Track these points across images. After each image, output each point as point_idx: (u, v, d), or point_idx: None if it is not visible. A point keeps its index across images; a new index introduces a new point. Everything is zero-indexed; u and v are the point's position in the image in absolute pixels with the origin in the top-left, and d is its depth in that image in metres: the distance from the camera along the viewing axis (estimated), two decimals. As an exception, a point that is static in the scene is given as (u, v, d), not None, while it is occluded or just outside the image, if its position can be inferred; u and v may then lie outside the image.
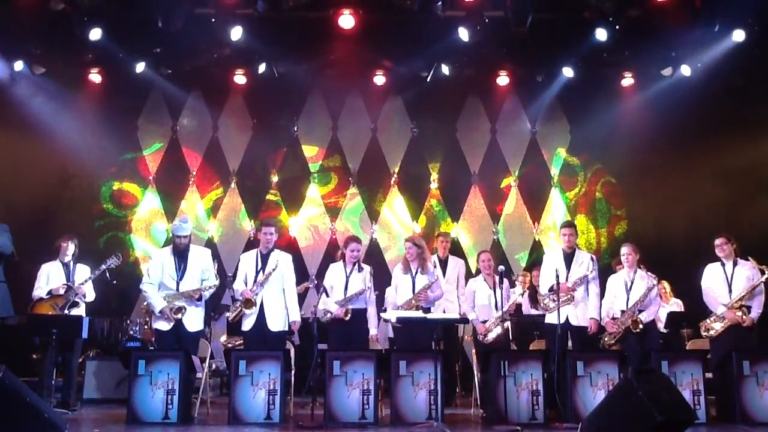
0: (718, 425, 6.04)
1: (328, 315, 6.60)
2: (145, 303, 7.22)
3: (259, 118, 10.54)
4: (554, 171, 10.58)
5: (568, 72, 9.42)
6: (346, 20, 8.42)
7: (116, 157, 10.30)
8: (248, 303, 6.36)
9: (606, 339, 6.65)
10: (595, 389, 5.90)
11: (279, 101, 10.32)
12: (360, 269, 6.75)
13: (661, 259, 8.21)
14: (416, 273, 6.73)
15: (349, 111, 10.59)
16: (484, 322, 6.86)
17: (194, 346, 6.35)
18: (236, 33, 8.48)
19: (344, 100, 10.55)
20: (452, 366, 7.70)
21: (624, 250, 6.81)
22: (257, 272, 6.47)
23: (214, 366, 7.78)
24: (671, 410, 4.46)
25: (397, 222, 10.41)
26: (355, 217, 10.40)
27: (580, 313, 6.55)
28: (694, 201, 9.64)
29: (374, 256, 9.86)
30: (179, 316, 6.17)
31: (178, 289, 6.25)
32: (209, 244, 9.85)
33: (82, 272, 6.98)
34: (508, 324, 6.94)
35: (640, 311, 6.51)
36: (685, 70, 9.22)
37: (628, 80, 9.78)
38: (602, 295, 6.73)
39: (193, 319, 6.29)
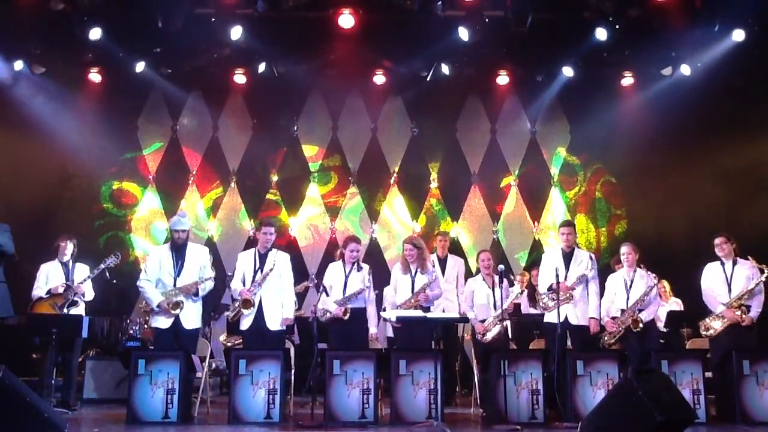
0: (718, 425, 6.04)
1: (328, 315, 6.60)
2: (143, 302, 7.21)
3: (259, 117, 10.54)
4: (554, 170, 10.58)
5: (568, 72, 9.43)
6: (346, 20, 8.42)
7: (116, 156, 10.30)
8: (246, 303, 6.36)
9: (606, 338, 6.65)
10: (595, 389, 5.91)
11: (279, 101, 10.32)
12: (359, 269, 6.74)
13: (661, 258, 8.21)
14: (415, 273, 6.73)
15: (349, 111, 10.59)
16: (483, 321, 6.87)
17: (192, 343, 6.35)
18: (236, 33, 8.49)
19: (344, 99, 10.55)
20: (452, 365, 7.71)
21: (624, 249, 6.81)
22: (255, 272, 6.47)
23: (213, 365, 7.78)
24: (671, 410, 4.47)
25: (396, 221, 10.42)
26: (355, 216, 10.41)
27: (580, 312, 6.55)
28: (694, 201, 9.64)
29: (374, 256, 9.86)
30: (177, 311, 6.18)
31: (175, 286, 6.26)
32: (209, 243, 9.85)
33: (82, 272, 6.98)
34: (507, 323, 6.93)
35: (640, 310, 6.52)
36: (685, 70, 9.22)
37: (628, 80, 9.78)
38: (602, 294, 6.73)
39: (191, 317, 6.30)
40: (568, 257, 6.71)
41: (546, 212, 10.46)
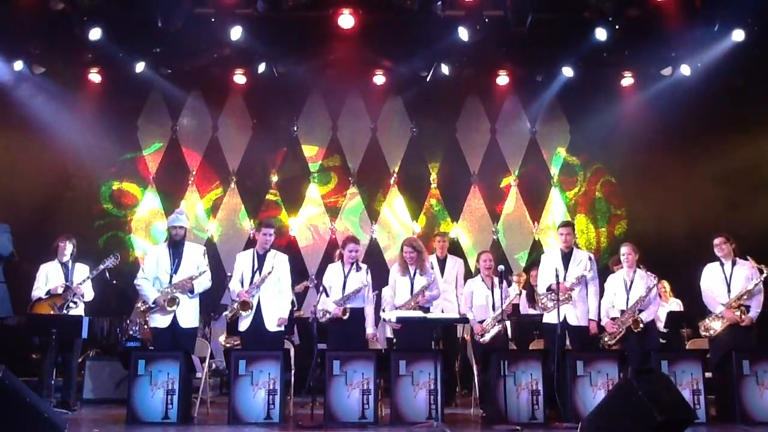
0: (718, 425, 6.04)
1: (327, 315, 6.59)
2: (140, 302, 7.21)
3: (258, 118, 10.55)
4: (554, 171, 10.58)
5: (567, 72, 9.42)
6: (346, 20, 8.42)
7: (116, 157, 10.31)
8: (245, 305, 6.35)
9: (606, 339, 6.65)
10: (594, 389, 5.90)
11: (279, 101, 10.33)
12: (358, 269, 6.75)
13: (661, 258, 8.21)
14: (414, 274, 6.72)
15: (349, 111, 10.60)
16: (482, 321, 6.87)
17: (190, 342, 6.36)
18: (236, 33, 8.48)
19: (344, 100, 10.56)
20: (452, 366, 7.71)
21: (623, 249, 6.80)
22: (253, 273, 6.47)
23: (213, 366, 7.78)
24: (671, 410, 4.46)
25: (396, 222, 10.41)
26: (355, 216, 10.41)
27: (579, 312, 6.55)
28: (694, 201, 9.65)
29: (374, 256, 9.86)
30: (173, 307, 6.19)
31: (171, 283, 6.27)
32: (209, 244, 9.86)
33: (81, 272, 6.97)
34: (507, 324, 6.93)
35: (640, 311, 6.52)
36: (685, 70, 9.22)
37: (628, 80, 9.78)
38: (601, 294, 6.73)
39: (188, 315, 6.31)
40: (567, 258, 6.70)
41: (546, 212, 10.46)
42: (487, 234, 10.36)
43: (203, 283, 6.40)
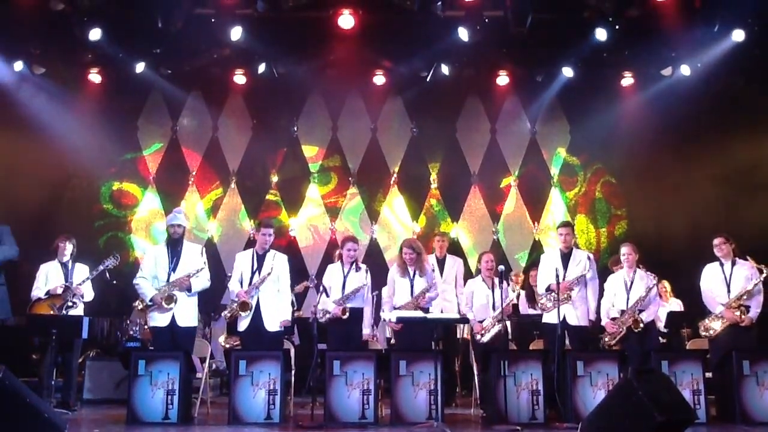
0: (718, 425, 6.04)
1: (327, 315, 6.59)
2: (138, 302, 7.21)
3: (258, 118, 10.55)
4: (554, 171, 10.58)
5: (567, 72, 9.43)
6: (346, 20, 8.42)
7: (116, 157, 10.31)
8: (244, 306, 6.34)
9: (606, 339, 6.65)
10: (595, 389, 5.90)
11: (279, 101, 10.33)
12: (357, 269, 6.75)
13: (661, 259, 8.22)
14: (414, 275, 6.71)
15: (349, 111, 10.60)
16: (482, 321, 6.86)
17: (189, 341, 6.35)
18: (236, 33, 8.49)
19: (344, 100, 10.56)
20: (452, 366, 7.70)
21: (624, 249, 6.80)
22: (253, 273, 6.46)
23: (213, 366, 7.78)
24: (671, 410, 4.46)
25: (396, 222, 10.42)
26: (355, 217, 10.41)
27: (579, 312, 6.54)
28: (694, 201, 9.64)
29: (374, 256, 9.86)
30: (171, 305, 6.19)
31: (168, 281, 6.27)
32: (209, 244, 9.87)
33: (81, 272, 6.97)
34: (507, 323, 6.93)
35: (641, 311, 6.52)
36: (685, 70, 9.22)
37: (627, 80, 9.78)
38: (601, 294, 6.73)
39: (186, 314, 6.31)
40: (566, 258, 6.69)
41: (546, 212, 10.47)
42: (487, 234, 10.36)
43: (202, 281, 6.39)
